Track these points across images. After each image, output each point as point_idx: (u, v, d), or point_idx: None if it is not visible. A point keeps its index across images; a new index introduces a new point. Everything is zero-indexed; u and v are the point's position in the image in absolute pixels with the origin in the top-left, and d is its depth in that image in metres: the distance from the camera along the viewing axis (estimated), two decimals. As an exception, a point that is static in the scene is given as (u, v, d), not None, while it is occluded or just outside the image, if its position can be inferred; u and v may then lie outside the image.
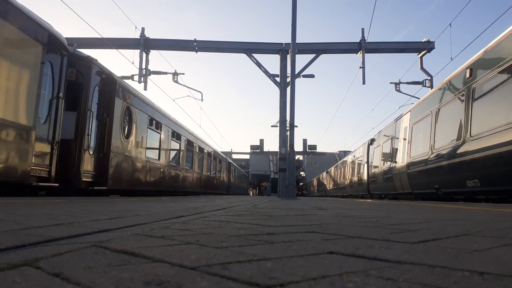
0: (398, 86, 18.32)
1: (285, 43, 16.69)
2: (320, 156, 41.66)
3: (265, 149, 27.85)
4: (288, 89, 14.56)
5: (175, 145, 14.57)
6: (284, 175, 13.61)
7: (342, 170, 25.91)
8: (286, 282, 0.76)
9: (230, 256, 1.05)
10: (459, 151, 7.68)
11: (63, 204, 4.00)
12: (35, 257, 0.99)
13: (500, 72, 6.42)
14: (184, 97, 22.12)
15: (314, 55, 16.99)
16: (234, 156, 56.79)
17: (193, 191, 18.10)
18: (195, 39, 17.22)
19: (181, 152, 15.37)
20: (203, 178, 19.81)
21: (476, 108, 7.21)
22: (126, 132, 9.79)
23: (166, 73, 17.67)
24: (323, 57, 17.56)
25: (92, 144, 8.31)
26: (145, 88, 17.07)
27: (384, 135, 14.90)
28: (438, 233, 1.68)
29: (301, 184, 66.75)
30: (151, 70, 17.32)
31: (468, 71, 7.66)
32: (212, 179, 22.74)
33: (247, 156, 59.07)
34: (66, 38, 7.50)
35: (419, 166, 10.17)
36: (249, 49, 17.14)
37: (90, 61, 8.17)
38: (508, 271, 0.87)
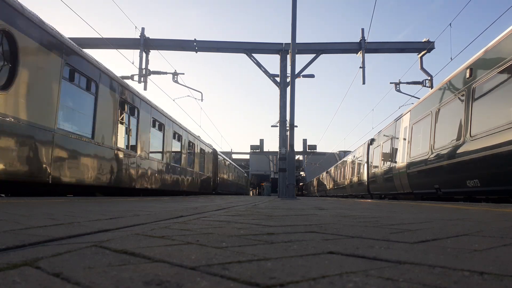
0: (398, 86, 18.31)
1: (285, 43, 16.68)
2: (320, 156, 41.64)
3: (265, 149, 27.89)
4: (288, 89, 14.55)
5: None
6: (284, 175, 13.61)
7: (342, 170, 25.90)
8: (286, 282, 0.76)
9: (230, 256, 1.05)
10: (459, 151, 7.68)
11: (63, 204, 4.01)
12: (35, 257, 0.99)
13: (500, 72, 6.41)
14: (184, 97, 22.16)
15: (314, 55, 16.99)
16: (234, 156, 56.79)
17: None
18: (195, 39, 17.22)
19: None
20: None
21: (476, 108, 7.21)
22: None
23: (166, 73, 17.66)
24: (323, 57, 17.57)
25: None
26: (145, 88, 17.09)
27: (384, 135, 14.89)
28: (438, 233, 1.68)
29: (301, 184, 66.70)
30: (151, 70, 17.32)
31: (468, 71, 7.66)
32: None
33: (247, 156, 59.05)
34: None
35: (419, 166, 10.17)
36: (249, 49, 17.14)
37: (216, 151, 24.73)
38: (508, 271, 0.87)
